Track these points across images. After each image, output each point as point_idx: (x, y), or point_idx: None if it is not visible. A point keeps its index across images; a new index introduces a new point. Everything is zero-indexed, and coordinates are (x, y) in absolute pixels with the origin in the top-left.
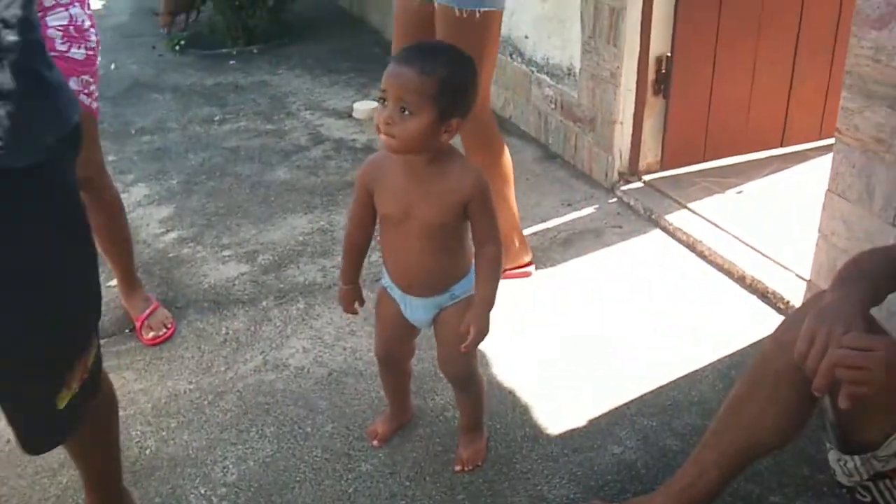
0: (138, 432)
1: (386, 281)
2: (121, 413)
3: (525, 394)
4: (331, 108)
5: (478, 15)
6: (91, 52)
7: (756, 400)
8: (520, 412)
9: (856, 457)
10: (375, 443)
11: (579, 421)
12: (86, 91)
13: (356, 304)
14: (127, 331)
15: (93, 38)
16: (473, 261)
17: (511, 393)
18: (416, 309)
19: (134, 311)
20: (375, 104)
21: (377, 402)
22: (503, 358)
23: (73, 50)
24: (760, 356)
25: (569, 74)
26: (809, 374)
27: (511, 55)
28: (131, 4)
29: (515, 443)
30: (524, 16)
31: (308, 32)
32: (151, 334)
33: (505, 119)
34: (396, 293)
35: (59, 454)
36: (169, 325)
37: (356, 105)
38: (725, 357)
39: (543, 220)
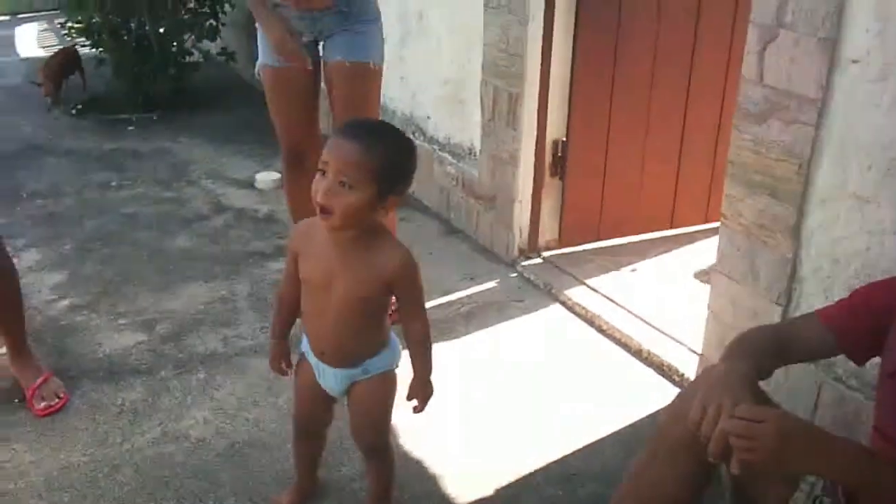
0: None
1: (304, 346)
2: (11, 486)
3: (432, 463)
4: (232, 177)
5: (372, 66)
6: None
7: (655, 468)
8: (428, 482)
9: None
10: None
11: (487, 490)
12: None
13: (283, 365)
14: (16, 401)
15: None
16: (387, 339)
17: (419, 463)
18: (329, 378)
19: (25, 380)
20: (277, 175)
21: (282, 473)
22: (409, 428)
23: None
24: (658, 427)
25: (470, 154)
26: (703, 440)
27: (414, 133)
28: (25, 66)
29: None
30: (426, 97)
31: (210, 102)
32: (43, 404)
33: (408, 194)
34: (312, 359)
35: None
36: (61, 395)
37: (258, 176)
38: (626, 427)
39: (447, 293)
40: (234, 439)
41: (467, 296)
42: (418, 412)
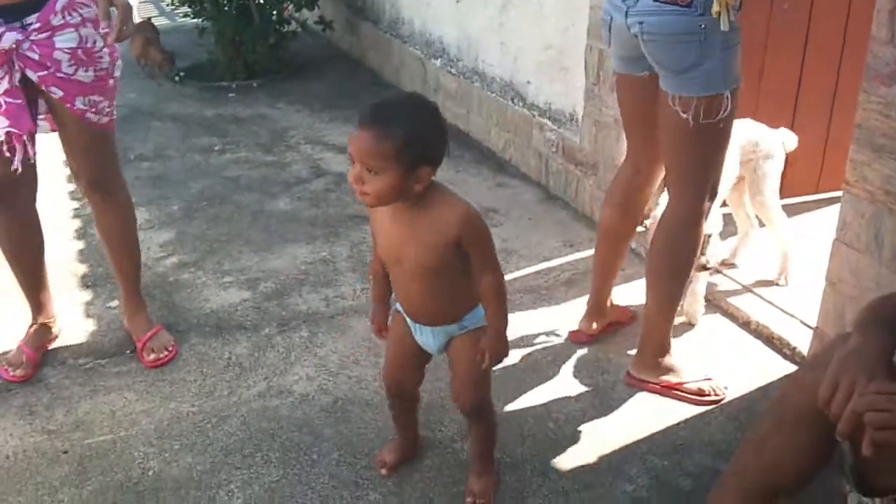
0: (141, 453)
1: (399, 305)
2: (122, 433)
3: (535, 428)
4: (330, 142)
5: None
6: (102, 73)
7: (777, 439)
8: (530, 446)
9: (877, 499)
10: (384, 472)
11: (590, 457)
12: (92, 109)
13: (382, 329)
14: (128, 352)
15: (105, 58)
16: None
17: (520, 426)
18: (427, 335)
19: (136, 332)
20: None
21: (384, 431)
22: (512, 391)
23: (80, 72)
24: (780, 397)
25: (571, 120)
26: (833, 420)
27: (513, 99)
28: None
29: (525, 477)
30: (526, 62)
31: (307, 70)
32: (153, 356)
33: (505, 161)
34: (408, 319)
35: (60, 472)
36: (170, 348)
37: None
38: (734, 400)
39: (546, 260)
40: (337, 396)
41: (568, 262)
42: (487, 367)
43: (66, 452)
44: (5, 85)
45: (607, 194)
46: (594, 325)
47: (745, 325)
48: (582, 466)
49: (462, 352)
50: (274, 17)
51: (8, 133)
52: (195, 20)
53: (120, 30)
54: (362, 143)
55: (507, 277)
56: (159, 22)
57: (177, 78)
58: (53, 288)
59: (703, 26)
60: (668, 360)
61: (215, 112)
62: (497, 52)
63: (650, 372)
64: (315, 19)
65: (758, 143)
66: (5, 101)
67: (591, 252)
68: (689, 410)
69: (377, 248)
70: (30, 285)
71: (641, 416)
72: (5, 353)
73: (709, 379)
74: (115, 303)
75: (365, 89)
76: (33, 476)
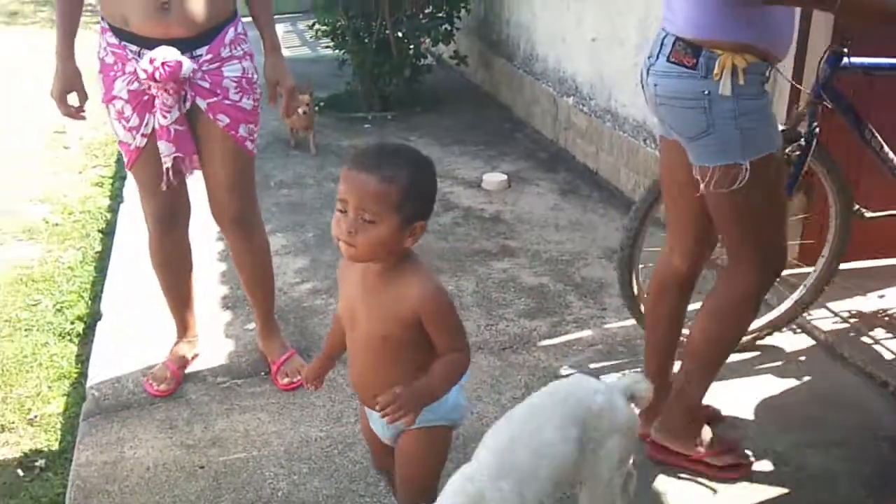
0: (272, 473)
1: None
2: (254, 453)
3: (653, 477)
4: (460, 177)
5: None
6: (256, 103)
7: None
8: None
9: None
10: None
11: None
12: (250, 138)
13: (314, 383)
14: (262, 374)
15: (258, 90)
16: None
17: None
18: (375, 422)
19: (271, 355)
20: (504, 177)
21: None
22: None
23: (244, 100)
24: None
25: None
26: None
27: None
28: None
29: None
30: None
31: (440, 104)
32: (286, 380)
33: (634, 202)
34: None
35: (196, 487)
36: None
37: (485, 176)
38: (868, 460)
39: None
40: (459, 431)
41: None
42: (381, 410)
43: (202, 468)
44: (176, 113)
45: (650, 282)
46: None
47: (883, 384)
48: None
49: (406, 448)
50: (411, 51)
51: (176, 158)
52: (336, 52)
53: (291, 107)
54: (364, 185)
55: (633, 321)
56: (301, 53)
57: (315, 109)
58: (196, 309)
59: (706, 91)
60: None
61: (351, 142)
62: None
63: (675, 440)
64: (450, 54)
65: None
66: (174, 129)
67: None
68: (812, 466)
69: (338, 308)
70: (177, 305)
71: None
72: (151, 367)
73: (733, 449)
74: (251, 325)
75: (496, 126)
76: (171, 489)
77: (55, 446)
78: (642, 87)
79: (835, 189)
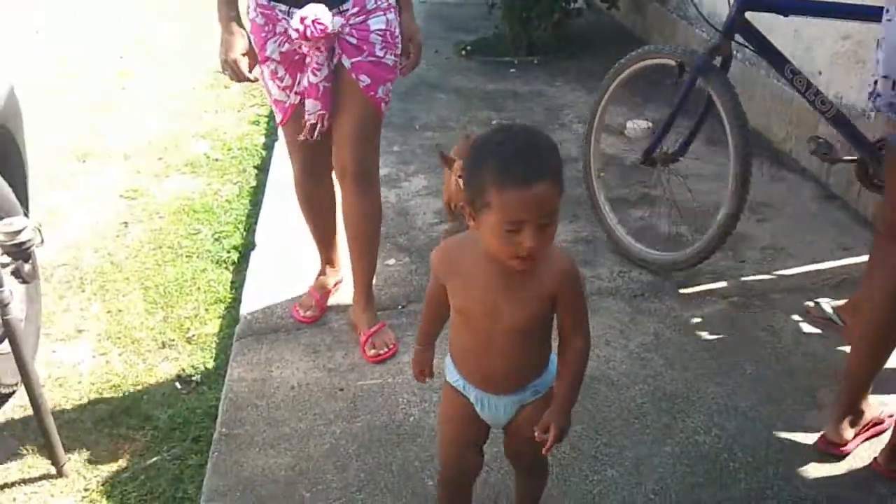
0: (404, 399)
1: (454, 377)
2: (389, 380)
3: (783, 431)
4: (603, 123)
5: None
6: (397, 59)
7: None
8: (774, 448)
9: None
10: None
11: (839, 469)
12: (386, 98)
13: (426, 372)
14: (400, 307)
15: (399, 45)
16: (550, 353)
17: (768, 426)
18: (496, 407)
19: (362, 325)
20: (647, 124)
21: (626, 411)
22: (764, 390)
23: (388, 56)
24: None
25: (863, 115)
26: None
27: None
28: (425, 9)
29: (768, 479)
30: (820, 52)
31: (588, 48)
32: (373, 352)
33: (784, 153)
34: (471, 392)
35: (335, 406)
36: (391, 346)
37: (629, 123)
38: None
39: (815, 261)
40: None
41: (839, 266)
42: (546, 453)
43: (341, 390)
44: (325, 71)
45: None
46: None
47: None
48: (830, 478)
49: (530, 419)
50: None
51: (320, 115)
52: None
53: (414, 65)
54: (545, 197)
55: (772, 275)
56: None
57: (462, 52)
58: (340, 244)
59: None
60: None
61: (496, 87)
62: (790, 39)
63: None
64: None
65: None
66: (323, 86)
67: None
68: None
69: (455, 300)
70: (322, 242)
71: None
72: (299, 295)
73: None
74: (392, 261)
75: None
76: (313, 407)
77: (210, 364)
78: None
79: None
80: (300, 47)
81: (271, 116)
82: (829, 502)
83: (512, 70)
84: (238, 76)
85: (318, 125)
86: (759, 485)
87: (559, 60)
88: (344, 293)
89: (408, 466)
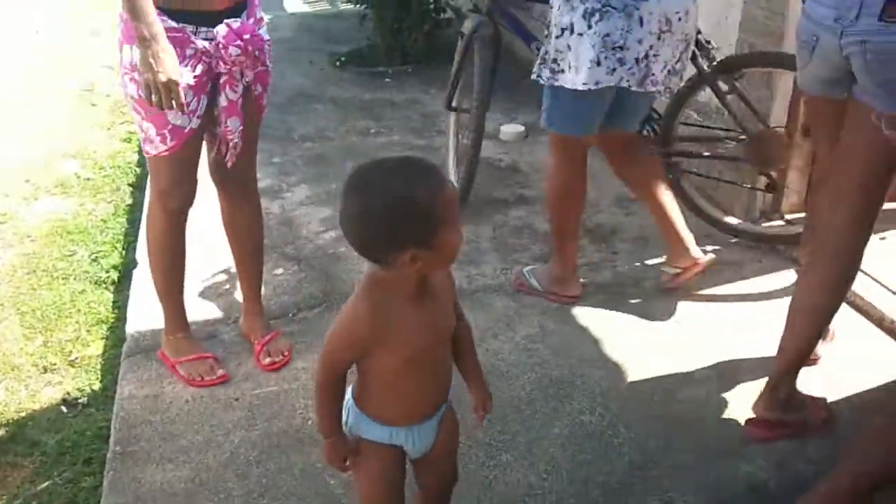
0: (302, 404)
1: (379, 434)
2: (285, 387)
3: (661, 407)
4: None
5: None
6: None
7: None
8: (654, 423)
9: None
10: None
11: (712, 438)
12: (266, 103)
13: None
14: (290, 315)
15: None
16: None
17: (647, 404)
18: (426, 434)
19: (255, 334)
20: (521, 128)
21: (517, 401)
22: (642, 368)
23: (268, 61)
24: None
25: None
26: None
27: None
28: (293, 21)
29: (649, 451)
30: None
31: None
32: (269, 360)
33: None
34: (401, 435)
35: (232, 416)
36: (286, 353)
37: (503, 128)
38: (861, 392)
39: None
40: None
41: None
42: (481, 419)
43: (237, 400)
44: (241, 87)
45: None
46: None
47: (879, 321)
48: (704, 446)
49: (455, 426)
50: (431, 5)
51: (241, 132)
52: (357, 7)
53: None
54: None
55: (642, 264)
56: (322, 8)
57: (337, 63)
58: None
59: None
60: None
61: (372, 96)
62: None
63: None
64: (469, 7)
65: None
66: (240, 102)
67: (731, 244)
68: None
69: (393, 358)
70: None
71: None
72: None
73: None
74: (279, 270)
75: (514, 78)
76: (209, 418)
77: (96, 385)
78: (811, 51)
79: None
80: (217, 65)
81: None
82: (705, 466)
83: (387, 79)
84: (174, 101)
85: (240, 143)
86: (642, 457)
87: (432, 69)
88: (232, 304)
89: (310, 469)
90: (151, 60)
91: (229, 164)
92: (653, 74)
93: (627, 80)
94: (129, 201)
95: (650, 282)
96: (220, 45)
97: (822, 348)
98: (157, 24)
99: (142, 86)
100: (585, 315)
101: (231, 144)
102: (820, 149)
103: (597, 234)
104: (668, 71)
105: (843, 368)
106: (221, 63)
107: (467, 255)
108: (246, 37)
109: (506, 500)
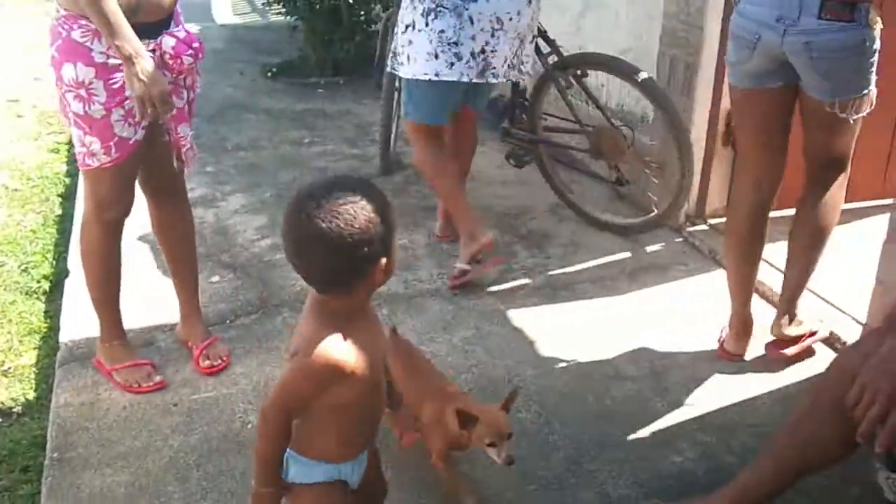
0: (241, 408)
1: (328, 474)
2: (224, 391)
3: (594, 404)
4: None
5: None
6: None
7: (814, 424)
8: (588, 419)
9: None
10: None
11: (644, 432)
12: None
13: None
14: (228, 322)
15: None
16: None
17: (581, 401)
18: (362, 464)
19: (193, 339)
20: None
21: None
22: (575, 367)
23: (195, 65)
24: (822, 381)
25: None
26: (856, 422)
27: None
28: (224, 32)
29: (584, 446)
30: None
31: None
32: (208, 363)
33: None
34: (347, 469)
35: (171, 421)
36: (224, 357)
37: None
38: (783, 387)
39: (611, 254)
40: None
41: (632, 257)
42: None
43: (175, 405)
44: (185, 93)
45: (732, 223)
46: (745, 346)
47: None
48: (636, 439)
49: (375, 449)
50: (362, 17)
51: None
52: (287, 18)
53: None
54: None
55: (574, 268)
56: (253, 20)
57: (269, 74)
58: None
59: (865, 40)
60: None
61: (305, 107)
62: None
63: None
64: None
65: None
66: (186, 109)
67: (657, 248)
68: (739, 395)
69: (350, 396)
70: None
71: (694, 398)
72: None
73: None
74: (216, 278)
75: None
76: (147, 424)
77: (31, 395)
78: (752, 48)
79: None
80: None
81: (71, 144)
82: (639, 461)
83: (319, 90)
84: (165, 111)
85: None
86: (577, 452)
87: (364, 79)
88: (168, 311)
89: (250, 471)
90: (142, 77)
91: (187, 172)
92: (493, 67)
93: (467, 75)
94: (59, 212)
95: (582, 284)
96: (170, 55)
97: (748, 346)
98: (136, 38)
99: (133, 101)
100: (520, 317)
101: (184, 150)
102: (743, 137)
103: (530, 239)
104: (508, 65)
105: (767, 363)
106: (168, 72)
107: (404, 262)
108: (195, 45)
109: (446, 496)
